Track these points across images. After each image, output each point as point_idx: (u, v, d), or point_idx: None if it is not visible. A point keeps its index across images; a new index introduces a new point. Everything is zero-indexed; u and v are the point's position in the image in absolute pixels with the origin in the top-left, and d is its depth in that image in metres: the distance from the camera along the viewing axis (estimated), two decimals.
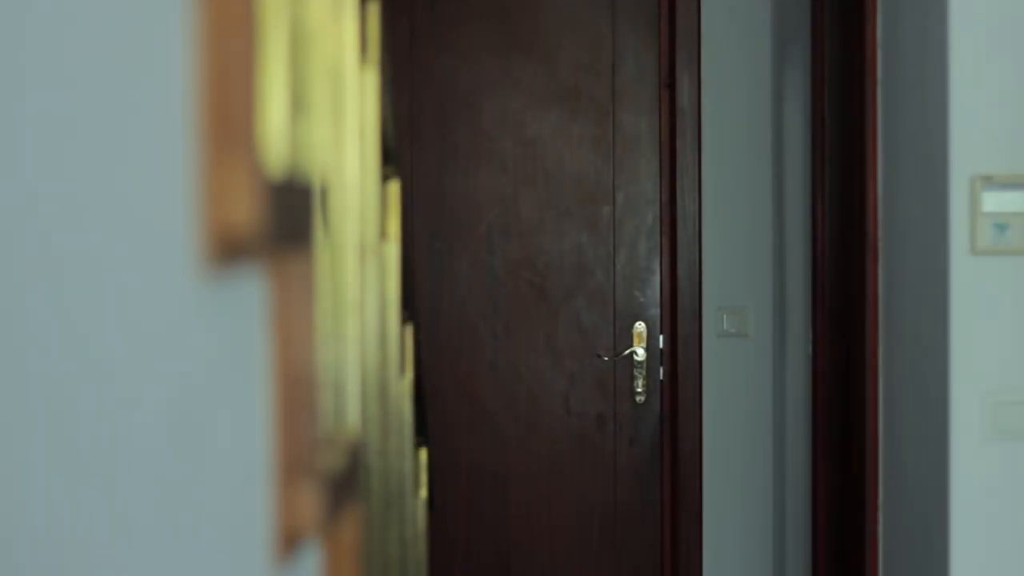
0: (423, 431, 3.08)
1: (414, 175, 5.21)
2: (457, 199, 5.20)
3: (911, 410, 3.84)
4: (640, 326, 5.19)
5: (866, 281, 4.17)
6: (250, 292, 1.18)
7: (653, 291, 5.21)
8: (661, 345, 5.22)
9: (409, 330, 2.58)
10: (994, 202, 3.50)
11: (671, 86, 5.16)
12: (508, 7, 5.20)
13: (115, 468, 0.87)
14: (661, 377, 5.22)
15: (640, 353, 5.18)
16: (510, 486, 5.21)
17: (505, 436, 5.20)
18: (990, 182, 3.50)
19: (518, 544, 5.21)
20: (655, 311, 5.21)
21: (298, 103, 1.40)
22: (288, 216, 1.20)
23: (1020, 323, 3.51)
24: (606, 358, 5.18)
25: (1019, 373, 3.51)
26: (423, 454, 3.06)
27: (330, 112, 1.57)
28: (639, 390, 5.19)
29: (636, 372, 5.19)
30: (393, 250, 2.18)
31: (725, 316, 5.21)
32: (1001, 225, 3.50)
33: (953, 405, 3.50)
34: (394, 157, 2.26)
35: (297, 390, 1.30)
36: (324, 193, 1.59)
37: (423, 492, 2.93)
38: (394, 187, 2.22)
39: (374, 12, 1.95)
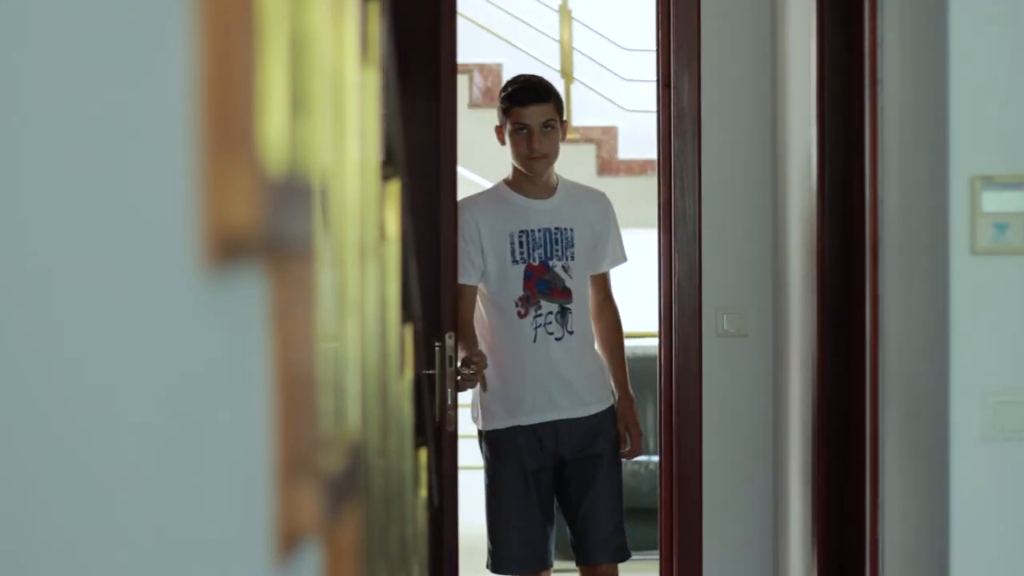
0: (423, 431, 3.08)
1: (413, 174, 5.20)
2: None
3: (911, 410, 3.83)
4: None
5: (866, 281, 4.17)
6: (250, 292, 1.18)
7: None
8: (660, 346, 5.22)
9: (409, 330, 2.58)
10: (994, 202, 3.49)
11: (671, 86, 5.16)
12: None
13: (115, 468, 0.87)
14: (660, 377, 5.22)
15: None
16: None
17: None
18: (990, 182, 3.49)
19: None
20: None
21: (298, 103, 1.40)
22: (288, 216, 1.20)
23: (1020, 323, 3.50)
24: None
25: (1019, 373, 3.50)
26: (423, 454, 3.05)
27: (330, 112, 1.57)
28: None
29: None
30: (393, 250, 2.18)
31: (725, 316, 5.20)
32: (1001, 225, 3.50)
33: (953, 405, 3.50)
34: (394, 157, 2.26)
35: (297, 390, 1.30)
36: (324, 193, 1.59)
37: (423, 492, 2.93)
38: (394, 187, 2.22)
39: (374, 12, 1.95)
